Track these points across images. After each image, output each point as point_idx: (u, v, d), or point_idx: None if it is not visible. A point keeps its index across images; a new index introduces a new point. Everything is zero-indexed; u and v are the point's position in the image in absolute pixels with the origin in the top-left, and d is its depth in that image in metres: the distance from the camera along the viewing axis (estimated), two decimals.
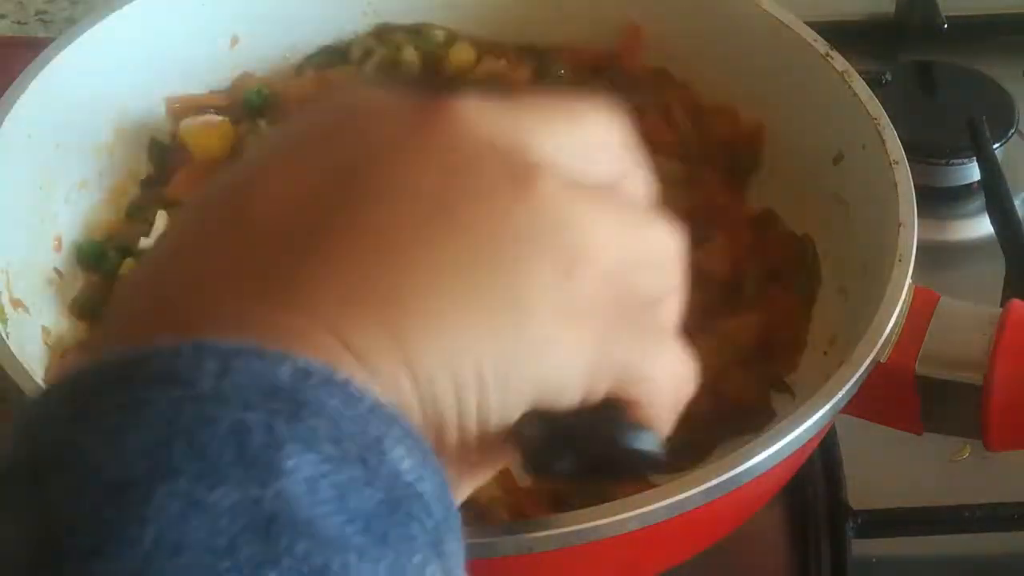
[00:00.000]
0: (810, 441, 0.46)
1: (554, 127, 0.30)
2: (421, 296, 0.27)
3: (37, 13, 0.86)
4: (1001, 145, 0.73)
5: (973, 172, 0.72)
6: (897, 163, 0.54)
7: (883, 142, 0.55)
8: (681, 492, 0.42)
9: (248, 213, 0.28)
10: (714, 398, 0.53)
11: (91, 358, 0.25)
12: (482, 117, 0.29)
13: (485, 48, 0.66)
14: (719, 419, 0.53)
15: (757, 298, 0.59)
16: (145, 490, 0.22)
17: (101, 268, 0.59)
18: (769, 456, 0.43)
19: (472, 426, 0.28)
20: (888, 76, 0.76)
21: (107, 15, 0.61)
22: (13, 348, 0.47)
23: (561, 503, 0.49)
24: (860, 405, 0.48)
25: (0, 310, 0.52)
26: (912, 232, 0.51)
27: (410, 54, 0.66)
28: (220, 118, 0.63)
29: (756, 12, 0.61)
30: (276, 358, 0.24)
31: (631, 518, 0.41)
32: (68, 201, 0.60)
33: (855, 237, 0.57)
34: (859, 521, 0.57)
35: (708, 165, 0.62)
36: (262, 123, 0.62)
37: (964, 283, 0.67)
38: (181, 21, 0.64)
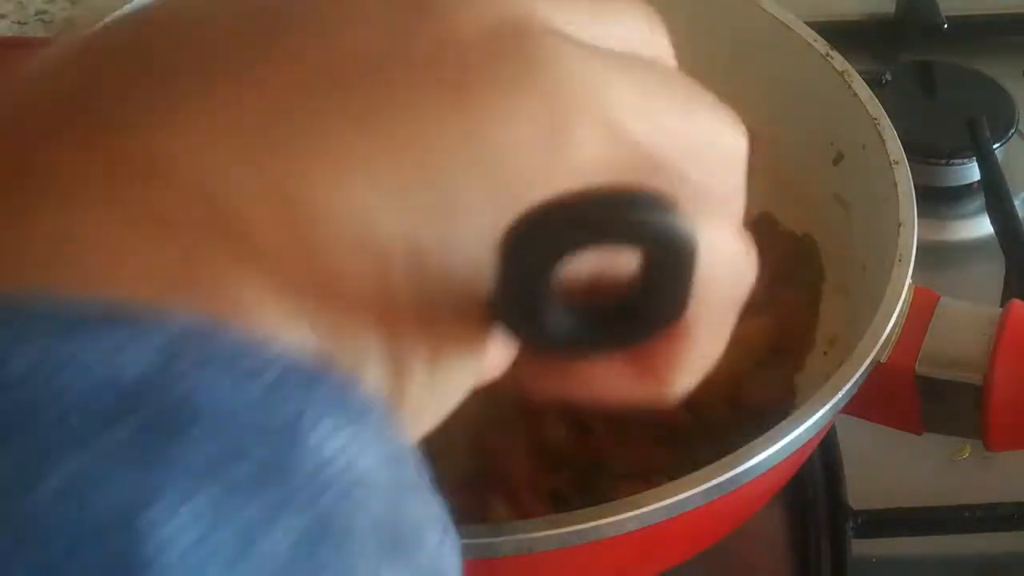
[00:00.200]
0: (810, 441, 0.46)
1: (575, 8, 0.24)
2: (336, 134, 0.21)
3: (37, 13, 0.86)
4: (1001, 145, 0.73)
5: (973, 172, 0.72)
6: (897, 163, 0.54)
7: (883, 142, 0.54)
8: (681, 492, 0.42)
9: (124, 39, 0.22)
10: (736, 406, 0.53)
11: None
12: None
13: None
14: (741, 425, 0.53)
15: (766, 300, 0.58)
16: None
17: None
18: (769, 456, 0.43)
19: (430, 265, 0.21)
20: (888, 76, 0.76)
21: (107, 15, 0.61)
22: None
23: (561, 503, 0.49)
24: (860, 405, 0.48)
25: None
26: (912, 232, 0.51)
27: None
28: None
29: (756, 12, 0.61)
30: (122, 335, 0.17)
31: (631, 518, 0.41)
32: None
33: (855, 237, 0.56)
34: (859, 521, 0.57)
35: None
36: None
37: (964, 283, 0.67)
38: None
